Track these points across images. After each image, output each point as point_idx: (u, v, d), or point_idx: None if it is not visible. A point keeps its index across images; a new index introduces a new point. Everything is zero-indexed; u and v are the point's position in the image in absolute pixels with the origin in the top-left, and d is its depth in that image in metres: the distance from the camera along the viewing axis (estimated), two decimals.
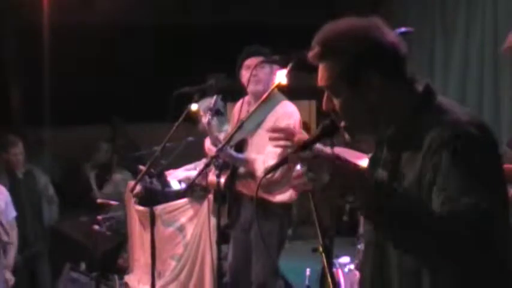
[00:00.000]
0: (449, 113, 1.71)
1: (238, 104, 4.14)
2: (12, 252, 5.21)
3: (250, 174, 3.90)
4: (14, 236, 5.26)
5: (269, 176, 2.76)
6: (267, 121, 3.95)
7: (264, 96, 3.48)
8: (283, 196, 3.95)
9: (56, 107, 7.95)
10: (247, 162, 3.89)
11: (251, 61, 3.93)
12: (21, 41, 8.40)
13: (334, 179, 1.61)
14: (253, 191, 3.84)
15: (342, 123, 1.81)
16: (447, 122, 1.68)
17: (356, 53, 1.72)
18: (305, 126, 8.00)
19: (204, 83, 4.00)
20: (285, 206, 4.02)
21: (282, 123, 3.89)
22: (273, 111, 3.98)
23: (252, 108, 3.68)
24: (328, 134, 1.88)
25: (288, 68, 3.26)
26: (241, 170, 3.97)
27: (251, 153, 3.96)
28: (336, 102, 1.78)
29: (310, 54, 1.79)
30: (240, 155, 3.91)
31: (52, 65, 7.90)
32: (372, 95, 1.74)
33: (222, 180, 3.76)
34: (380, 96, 1.74)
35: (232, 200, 4.01)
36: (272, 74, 3.92)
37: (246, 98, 4.08)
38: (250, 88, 3.94)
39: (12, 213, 5.27)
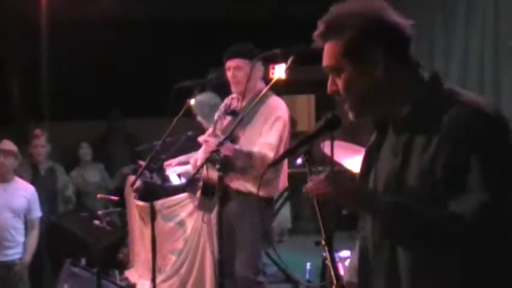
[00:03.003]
0: (464, 95, 1.70)
1: (227, 100, 4.20)
2: (29, 252, 5.14)
3: (239, 169, 3.90)
4: (33, 236, 5.20)
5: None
6: (259, 114, 3.97)
7: (264, 91, 3.51)
8: (266, 190, 3.97)
9: (56, 102, 7.95)
10: (248, 155, 3.86)
11: (230, 63, 4.03)
12: (22, 39, 8.39)
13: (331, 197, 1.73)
14: (240, 184, 3.95)
15: (346, 104, 1.78)
16: (465, 102, 1.67)
17: (360, 27, 1.71)
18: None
19: (204, 77, 4.00)
20: (267, 200, 4.06)
21: (274, 115, 3.95)
22: (264, 104, 4.00)
23: (242, 104, 3.89)
24: (330, 127, 1.86)
25: (288, 62, 3.27)
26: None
27: (243, 146, 3.96)
28: (340, 82, 1.76)
29: (315, 33, 1.78)
30: (244, 148, 3.88)
31: (51, 61, 7.88)
32: (376, 72, 1.72)
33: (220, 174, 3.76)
34: (385, 74, 1.72)
35: (222, 193, 4.02)
36: (255, 70, 3.97)
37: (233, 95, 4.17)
38: (232, 89, 4.07)
39: (37, 213, 5.24)
